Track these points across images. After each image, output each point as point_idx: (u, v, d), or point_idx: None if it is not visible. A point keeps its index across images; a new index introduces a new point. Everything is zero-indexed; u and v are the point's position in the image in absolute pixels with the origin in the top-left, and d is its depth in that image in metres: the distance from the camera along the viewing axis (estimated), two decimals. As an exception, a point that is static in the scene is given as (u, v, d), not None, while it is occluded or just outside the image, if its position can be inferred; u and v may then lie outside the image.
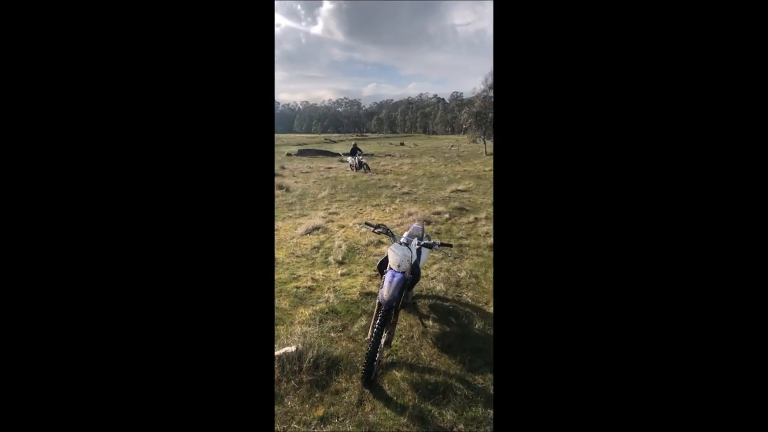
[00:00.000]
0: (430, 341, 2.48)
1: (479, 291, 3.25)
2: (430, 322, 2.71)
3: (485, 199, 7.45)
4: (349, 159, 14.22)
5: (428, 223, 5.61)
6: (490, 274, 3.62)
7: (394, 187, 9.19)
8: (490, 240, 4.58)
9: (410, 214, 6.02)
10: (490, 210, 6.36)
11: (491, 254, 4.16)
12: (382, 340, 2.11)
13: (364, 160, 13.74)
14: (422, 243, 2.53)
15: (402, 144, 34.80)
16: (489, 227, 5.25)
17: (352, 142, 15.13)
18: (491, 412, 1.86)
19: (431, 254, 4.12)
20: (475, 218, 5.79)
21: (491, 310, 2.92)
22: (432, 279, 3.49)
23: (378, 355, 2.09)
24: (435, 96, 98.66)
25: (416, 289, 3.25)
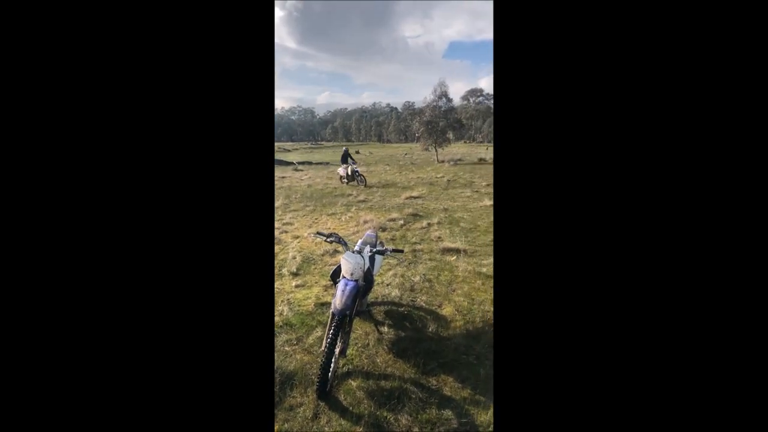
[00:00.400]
0: (385, 347, 2.50)
1: (432, 294, 3.34)
2: (386, 329, 2.74)
3: (437, 204, 7.70)
4: (340, 169, 11.76)
5: (383, 230, 5.68)
6: (443, 277, 3.74)
7: (350, 195, 9.18)
8: (443, 244, 4.74)
9: (366, 222, 6.05)
10: (443, 215, 6.59)
11: (443, 258, 4.30)
12: (337, 350, 2.10)
13: (358, 169, 11.37)
14: (375, 250, 2.56)
15: (357, 152, 34.89)
16: (441, 232, 5.43)
17: (343, 148, 12.65)
18: (444, 412, 1.92)
19: (386, 261, 4.16)
20: (428, 223, 5.96)
21: (444, 312, 3.01)
22: (387, 285, 3.53)
23: (333, 365, 2.06)
24: (388, 105, 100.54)
25: (372, 296, 3.26)
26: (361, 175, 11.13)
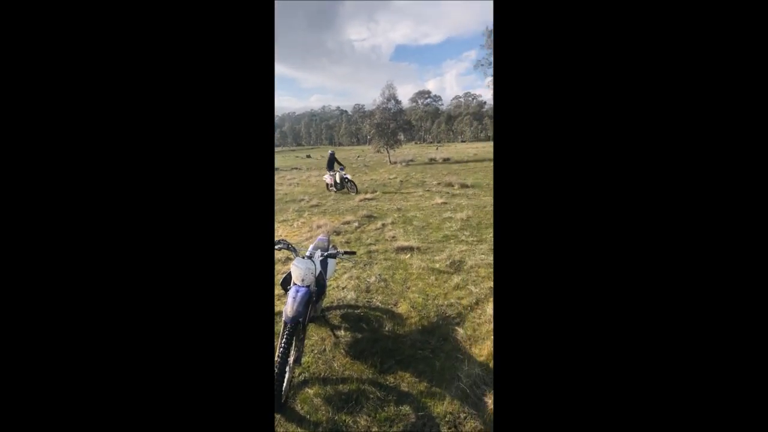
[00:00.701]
0: (342, 351, 2.48)
1: (388, 293, 3.37)
2: (342, 332, 2.71)
3: (391, 205, 7.80)
4: (327, 176, 10.42)
5: (338, 233, 5.63)
6: (398, 275, 3.79)
7: (302, 200, 8.99)
8: (397, 243, 4.81)
9: (319, 227, 5.95)
10: (396, 215, 6.69)
11: (398, 257, 4.36)
12: (291, 359, 2.04)
13: (348, 176, 10.09)
14: (326, 254, 2.52)
15: (308, 156, 34.35)
16: (395, 231, 5.51)
17: (329, 152, 11.18)
18: (402, 408, 1.94)
19: (342, 263, 4.13)
20: (383, 224, 6.01)
21: (399, 310, 3.05)
22: (343, 288, 3.51)
23: (287, 375, 2.00)
24: (338, 108, 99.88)
25: (327, 301, 3.22)
26: (352, 181, 10.01)
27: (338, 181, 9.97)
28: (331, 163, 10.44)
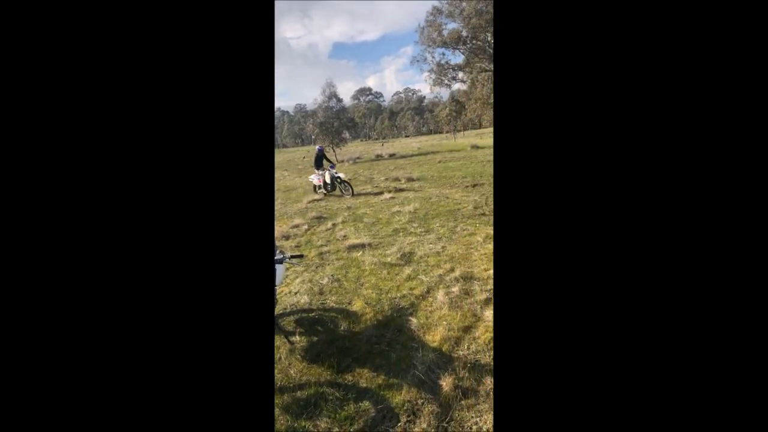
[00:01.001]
0: (298, 357, 2.43)
1: (342, 293, 3.37)
2: (297, 338, 2.66)
3: (340, 204, 7.76)
4: (314, 177, 9.11)
5: (287, 238, 5.48)
6: (351, 274, 3.79)
7: (247, 207, 8.58)
8: (348, 242, 4.80)
9: (266, 233, 5.74)
10: (346, 214, 6.67)
11: (350, 255, 4.36)
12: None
13: (340, 175, 8.76)
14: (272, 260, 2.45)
15: (251, 161, 32.71)
16: (346, 230, 5.50)
17: (317, 148, 9.53)
18: (362, 404, 1.96)
19: (293, 268, 4.04)
20: (333, 224, 5.96)
21: (354, 308, 3.06)
22: (295, 293, 3.43)
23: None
24: (279, 109, 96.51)
25: (280, 308, 3.14)
26: (346, 181, 8.64)
27: (328, 181, 8.69)
28: (320, 160, 9.01)
